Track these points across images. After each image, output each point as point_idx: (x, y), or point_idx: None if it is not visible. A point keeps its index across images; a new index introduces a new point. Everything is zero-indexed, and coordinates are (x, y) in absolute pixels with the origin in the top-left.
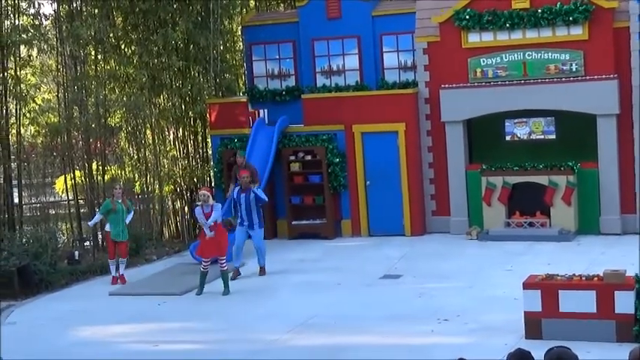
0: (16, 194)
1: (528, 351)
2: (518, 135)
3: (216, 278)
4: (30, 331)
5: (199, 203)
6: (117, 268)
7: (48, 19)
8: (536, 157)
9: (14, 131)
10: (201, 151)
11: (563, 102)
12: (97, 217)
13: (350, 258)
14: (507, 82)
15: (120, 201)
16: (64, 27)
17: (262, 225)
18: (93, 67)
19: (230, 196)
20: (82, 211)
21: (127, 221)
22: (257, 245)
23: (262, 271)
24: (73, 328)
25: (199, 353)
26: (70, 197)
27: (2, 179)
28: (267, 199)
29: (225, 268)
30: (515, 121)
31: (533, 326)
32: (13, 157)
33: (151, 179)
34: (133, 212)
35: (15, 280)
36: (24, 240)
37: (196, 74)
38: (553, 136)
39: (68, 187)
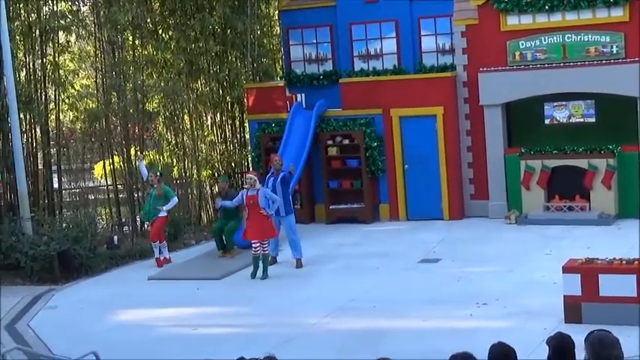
0: (55, 180)
1: (568, 335)
2: (558, 118)
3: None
4: (71, 315)
5: (246, 186)
6: (160, 251)
7: (86, 4)
8: (575, 141)
9: (53, 117)
10: (238, 135)
11: (603, 85)
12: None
13: (388, 242)
14: (546, 65)
15: (155, 186)
16: (101, 13)
17: (291, 211)
18: (130, 52)
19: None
20: (120, 196)
21: (166, 207)
22: (288, 237)
23: (299, 264)
24: (113, 312)
25: (238, 337)
26: (109, 182)
27: (42, 165)
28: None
29: (267, 251)
30: (555, 104)
31: (573, 310)
32: (52, 142)
33: (189, 164)
34: (174, 198)
35: (55, 264)
36: (64, 225)
37: (234, 59)
38: (593, 120)
39: (107, 172)
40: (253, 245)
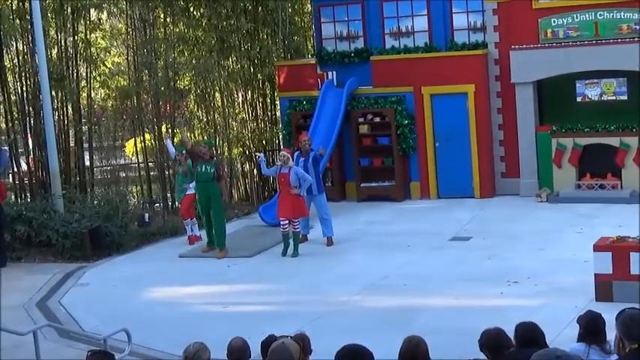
0: (87, 157)
1: (599, 313)
2: (590, 96)
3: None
4: (102, 292)
5: (279, 163)
6: (191, 229)
7: None
8: (607, 119)
9: (85, 95)
10: (269, 113)
11: (635, 62)
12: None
13: (419, 220)
14: (578, 43)
15: (182, 164)
16: None
17: (322, 190)
18: (162, 30)
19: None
20: (151, 173)
21: (188, 185)
22: (320, 216)
23: (330, 242)
24: (144, 290)
25: (269, 314)
26: (140, 160)
27: (73, 142)
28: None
29: (298, 229)
30: (587, 82)
31: (604, 289)
32: (84, 120)
33: (220, 142)
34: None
35: (87, 242)
36: (95, 202)
37: (265, 36)
38: (625, 97)
39: (138, 149)
40: (282, 223)
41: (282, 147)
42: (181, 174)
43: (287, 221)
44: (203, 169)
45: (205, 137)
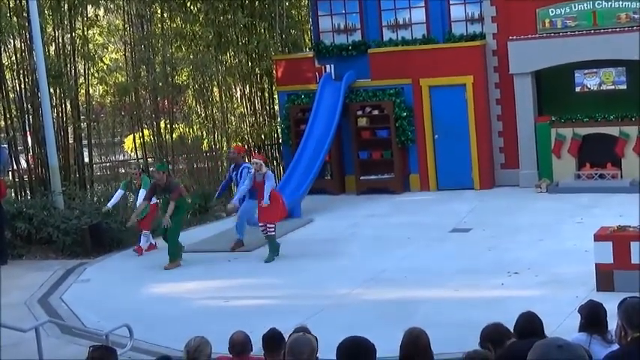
0: (86, 153)
1: (600, 303)
2: (589, 86)
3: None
4: (103, 289)
5: (252, 171)
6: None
7: None
8: (606, 108)
9: (83, 91)
10: (268, 107)
11: (634, 51)
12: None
13: (419, 212)
14: (577, 32)
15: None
16: None
17: (255, 197)
18: (159, 25)
19: (227, 176)
20: (150, 169)
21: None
22: (239, 218)
23: (238, 245)
24: (146, 285)
25: (270, 308)
26: (139, 156)
27: (72, 139)
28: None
29: (272, 234)
30: (585, 71)
31: (605, 278)
32: (82, 116)
33: (219, 136)
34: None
35: (87, 238)
36: (95, 199)
37: (262, 30)
38: (624, 87)
39: (137, 145)
40: (261, 227)
41: (253, 154)
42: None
43: (264, 225)
44: (163, 198)
45: (204, 133)
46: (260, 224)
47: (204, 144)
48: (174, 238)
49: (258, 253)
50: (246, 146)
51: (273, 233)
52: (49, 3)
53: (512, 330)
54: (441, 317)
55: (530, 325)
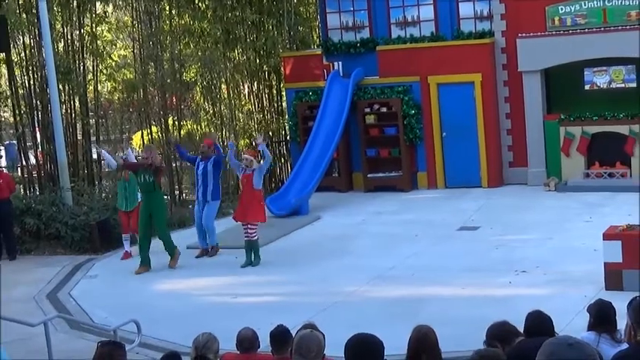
0: (94, 150)
1: (609, 302)
2: (598, 84)
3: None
4: (111, 284)
5: (242, 165)
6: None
7: None
8: (616, 107)
9: (92, 88)
10: (275, 104)
11: None
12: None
13: (427, 210)
14: (587, 30)
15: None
16: None
17: (218, 198)
18: (167, 22)
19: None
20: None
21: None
22: (205, 223)
23: (214, 250)
24: (154, 281)
25: (278, 305)
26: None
27: (81, 135)
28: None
29: (254, 237)
30: (595, 69)
31: (614, 277)
32: (91, 113)
33: (227, 133)
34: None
35: (95, 234)
36: (103, 195)
37: (270, 27)
38: (634, 85)
39: (145, 142)
40: (243, 228)
41: (244, 150)
42: (123, 181)
43: (246, 226)
44: (142, 180)
45: (212, 129)
46: (242, 225)
47: None
48: (165, 235)
49: (265, 249)
50: (253, 143)
51: (255, 237)
52: (58, 0)
53: (520, 329)
54: (449, 315)
55: (540, 323)
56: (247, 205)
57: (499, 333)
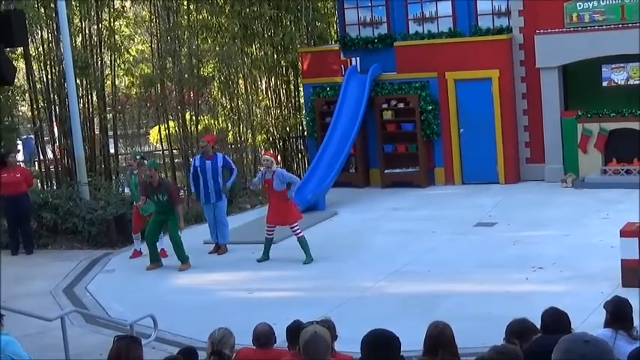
0: (112, 144)
1: (626, 299)
2: (616, 80)
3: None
4: (128, 279)
5: (262, 169)
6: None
7: None
8: (634, 103)
9: (109, 82)
10: (293, 100)
11: None
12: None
13: (443, 206)
14: (605, 27)
15: (135, 172)
16: None
17: (221, 197)
18: (185, 17)
19: (192, 167)
20: (176, 160)
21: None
22: (218, 221)
23: (224, 249)
24: (170, 276)
25: (294, 301)
26: (164, 147)
27: (98, 130)
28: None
29: (300, 234)
30: (613, 66)
31: (631, 274)
32: (108, 108)
33: (244, 129)
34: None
35: (112, 228)
36: (120, 189)
37: (288, 23)
38: None
39: (162, 137)
40: (267, 228)
41: (262, 151)
42: (135, 183)
43: (273, 227)
44: (157, 199)
45: (229, 125)
46: (270, 226)
47: (230, 136)
48: (177, 240)
49: (282, 245)
50: (270, 138)
51: (300, 234)
52: None
53: (537, 325)
54: (465, 311)
55: (557, 320)
56: (278, 207)
57: (518, 330)
